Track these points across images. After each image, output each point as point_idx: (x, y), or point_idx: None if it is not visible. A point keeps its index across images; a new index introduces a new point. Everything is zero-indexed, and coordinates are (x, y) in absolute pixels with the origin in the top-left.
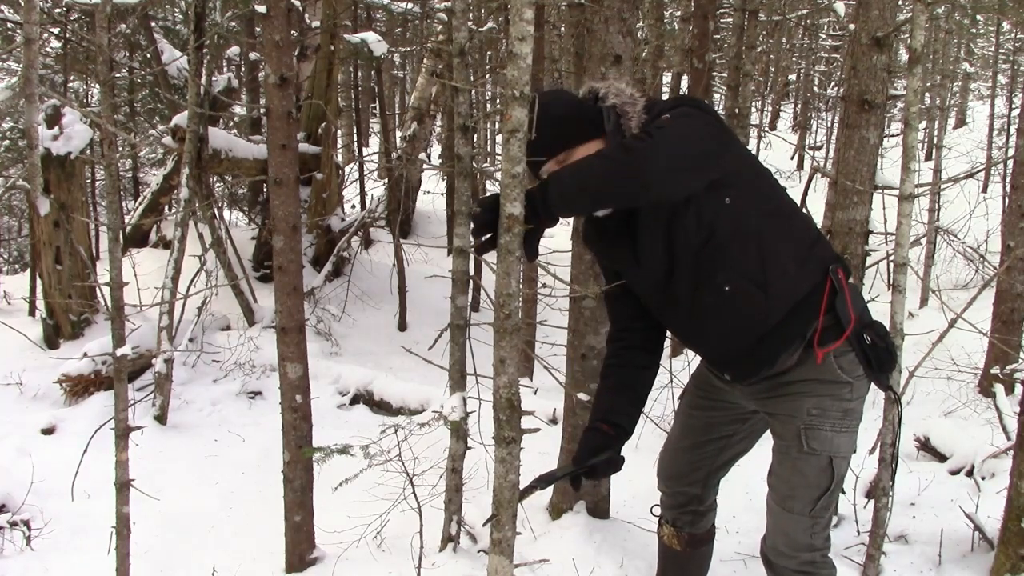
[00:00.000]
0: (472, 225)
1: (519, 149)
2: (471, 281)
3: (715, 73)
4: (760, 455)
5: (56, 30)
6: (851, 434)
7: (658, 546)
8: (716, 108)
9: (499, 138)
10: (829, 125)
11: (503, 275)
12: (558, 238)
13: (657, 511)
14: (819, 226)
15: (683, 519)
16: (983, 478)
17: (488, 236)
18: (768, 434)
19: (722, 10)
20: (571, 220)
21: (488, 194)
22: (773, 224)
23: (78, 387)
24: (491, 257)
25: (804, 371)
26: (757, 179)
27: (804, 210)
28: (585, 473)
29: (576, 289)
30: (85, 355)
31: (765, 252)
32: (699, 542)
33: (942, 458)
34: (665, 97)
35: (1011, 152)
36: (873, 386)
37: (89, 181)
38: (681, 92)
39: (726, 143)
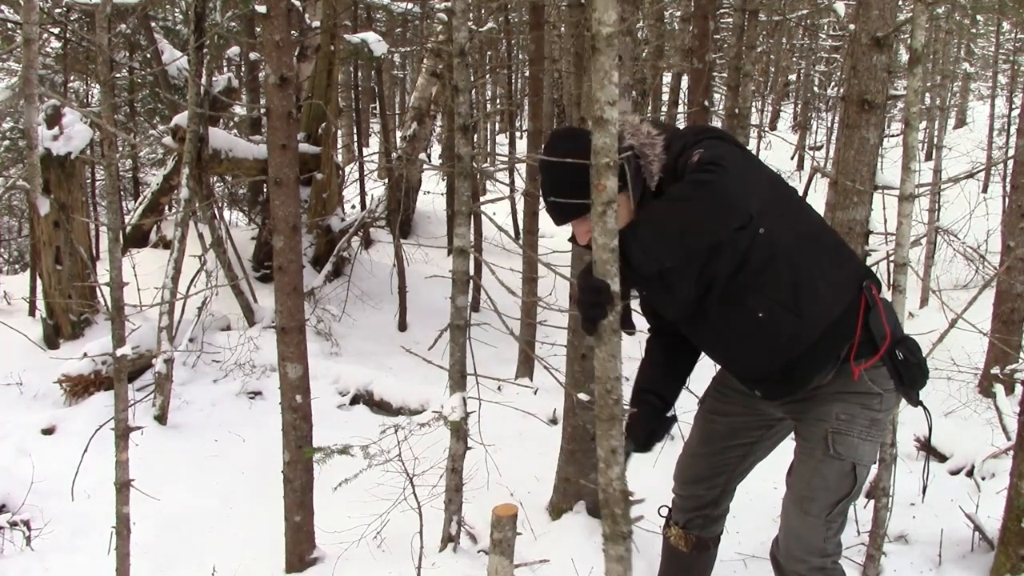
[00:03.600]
0: (583, 309)
1: (615, 221)
2: (471, 281)
3: (715, 73)
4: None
5: (56, 30)
6: (875, 444)
7: (663, 547)
8: (716, 108)
9: (500, 138)
10: (829, 125)
11: (608, 357)
12: (558, 238)
13: (665, 511)
14: None
15: (695, 522)
16: (983, 478)
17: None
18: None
19: (722, 10)
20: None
21: (584, 271)
22: (806, 248)
23: (78, 387)
24: (492, 258)
25: (837, 384)
26: (788, 203)
27: None
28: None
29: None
30: (85, 355)
31: (798, 277)
32: (705, 546)
33: (942, 458)
34: (666, 92)
35: (1011, 152)
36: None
37: (89, 181)
38: (681, 92)
39: (760, 169)
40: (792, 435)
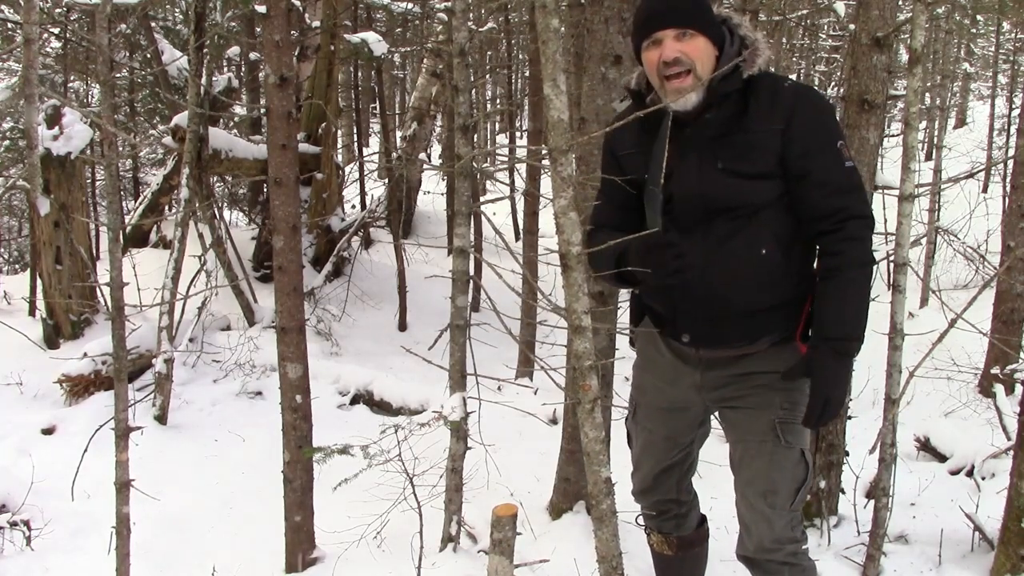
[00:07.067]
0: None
1: (601, 418)
2: (471, 281)
3: None
4: None
5: (56, 30)
6: (806, 429)
7: (651, 554)
8: None
9: (500, 138)
10: None
11: (611, 537)
12: (557, 240)
13: (643, 521)
14: None
15: (667, 525)
16: (983, 478)
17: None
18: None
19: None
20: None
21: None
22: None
23: (78, 387)
24: (492, 258)
25: (768, 362)
26: None
27: None
28: None
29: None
30: (85, 355)
31: (809, 242)
32: (689, 544)
33: (942, 458)
34: None
35: (1011, 152)
36: (873, 385)
37: (89, 181)
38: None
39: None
40: (727, 433)
